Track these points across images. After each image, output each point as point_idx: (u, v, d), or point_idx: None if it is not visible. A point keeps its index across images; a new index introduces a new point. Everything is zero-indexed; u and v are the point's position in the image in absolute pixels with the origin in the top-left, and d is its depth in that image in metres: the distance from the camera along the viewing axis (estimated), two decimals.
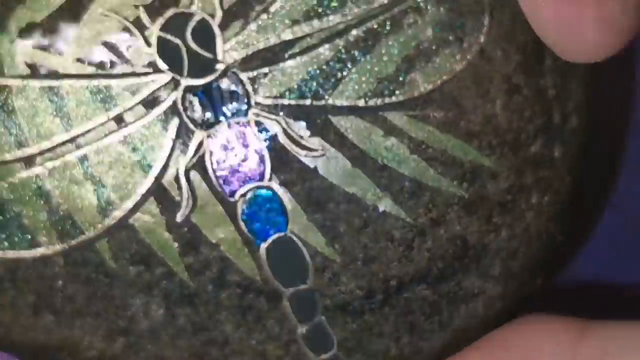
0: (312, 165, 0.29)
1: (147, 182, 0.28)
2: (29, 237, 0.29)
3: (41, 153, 0.29)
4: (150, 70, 0.28)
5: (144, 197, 0.29)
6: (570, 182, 0.30)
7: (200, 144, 0.28)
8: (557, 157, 0.30)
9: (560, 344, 0.29)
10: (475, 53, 0.29)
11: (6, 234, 0.29)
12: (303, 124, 0.28)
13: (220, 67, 0.28)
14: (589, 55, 0.27)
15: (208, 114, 0.28)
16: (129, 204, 0.29)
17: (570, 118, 0.30)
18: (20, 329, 0.30)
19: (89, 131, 0.28)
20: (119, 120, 0.28)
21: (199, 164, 0.28)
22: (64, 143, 0.28)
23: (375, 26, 0.29)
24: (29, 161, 0.29)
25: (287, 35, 0.28)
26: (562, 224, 0.31)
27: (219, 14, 0.28)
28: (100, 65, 0.28)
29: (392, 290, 0.29)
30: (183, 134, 0.28)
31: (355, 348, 0.30)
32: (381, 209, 0.29)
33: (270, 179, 0.29)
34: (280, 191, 0.29)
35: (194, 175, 0.29)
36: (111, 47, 0.28)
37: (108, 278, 0.29)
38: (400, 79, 0.28)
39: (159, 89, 0.28)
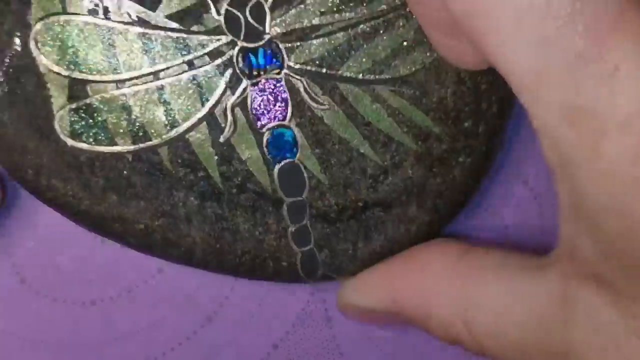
0: (319, 115, 0.41)
1: (204, 111, 0.40)
2: (110, 137, 0.40)
3: (130, 79, 0.39)
4: (217, 32, 0.39)
5: (200, 121, 0.40)
6: (486, 151, 0.43)
7: (245, 89, 0.40)
8: (480, 132, 0.42)
9: (447, 257, 0.40)
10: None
11: (93, 132, 0.40)
12: (317, 85, 0.40)
13: (266, 37, 0.40)
14: (470, 66, 0.37)
15: (254, 69, 0.40)
16: (188, 124, 0.40)
17: (493, 106, 0.42)
18: (88, 202, 0.41)
19: (167, 68, 0.39)
20: (190, 64, 0.40)
21: (242, 103, 0.40)
22: (148, 74, 0.39)
23: (377, 24, 0.40)
24: (119, 83, 0.39)
25: (316, 22, 0.40)
26: (477, 178, 0.43)
27: None
28: (182, 23, 0.39)
29: (359, 209, 0.42)
30: (234, 80, 0.40)
31: (325, 246, 0.42)
32: (362, 151, 0.41)
33: (289, 120, 0.40)
34: (295, 130, 0.41)
35: (237, 110, 0.40)
36: (192, 12, 0.39)
37: (162, 174, 0.40)
38: (388, 63, 0.41)
39: (221, 46, 0.40)
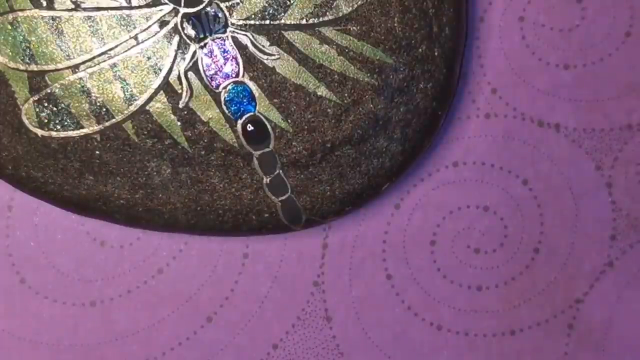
0: (271, 65, 0.42)
1: (158, 80, 0.41)
2: (75, 121, 0.41)
3: (83, 62, 0.41)
4: (159, 2, 0.41)
5: (156, 91, 0.41)
6: (445, 73, 0.43)
7: (194, 53, 0.41)
8: (436, 55, 0.43)
9: None
10: None
11: (59, 119, 0.41)
12: (264, 37, 0.41)
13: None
14: None
15: (199, 32, 0.41)
16: (146, 96, 0.41)
17: (445, 29, 0.43)
18: (69, 187, 0.42)
19: (117, 46, 0.41)
20: (137, 38, 0.41)
21: (194, 67, 0.41)
22: (99, 55, 0.41)
23: None
24: (74, 68, 0.41)
25: None
26: (441, 102, 0.44)
27: None
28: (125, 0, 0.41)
29: (327, 150, 0.43)
30: (182, 46, 0.41)
31: (303, 191, 0.43)
32: (319, 94, 0.42)
33: (242, 76, 0.41)
34: (250, 84, 0.42)
35: (191, 75, 0.41)
36: None
37: (132, 148, 0.42)
38: (329, 4, 0.41)
39: (164, 15, 0.41)
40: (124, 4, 0.41)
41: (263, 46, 0.41)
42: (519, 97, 0.46)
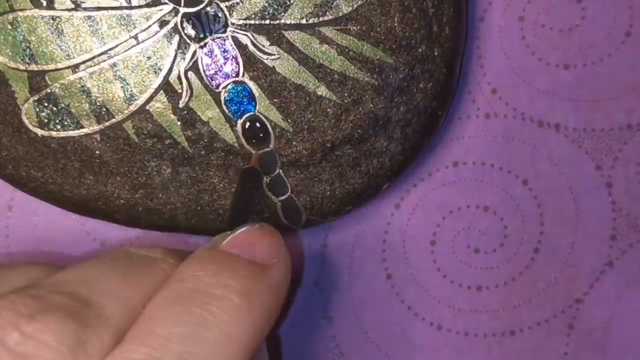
0: (271, 65, 0.42)
1: (158, 80, 0.41)
2: (75, 121, 0.41)
3: (83, 62, 0.41)
4: (159, 2, 0.41)
5: (156, 91, 0.41)
6: (445, 73, 0.43)
7: (194, 53, 0.41)
8: (436, 55, 0.43)
9: None
10: None
11: (59, 119, 0.41)
12: (264, 37, 0.41)
13: None
14: None
15: (199, 32, 0.41)
16: (146, 95, 0.41)
17: (445, 28, 0.43)
18: (69, 187, 0.42)
19: (117, 46, 0.41)
20: (137, 38, 0.41)
21: (194, 67, 0.41)
22: (99, 55, 0.41)
23: None
24: (74, 68, 0.41)
25: None
26: (441, 102, 0.44)
27: None
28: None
29: (327, 150, 0.43)
30: (182, 46, 0.41)
31: (303, 191, 0.43)
32: (319, 93, 0.42)
33: (242, 76, 0.41)
34: (250, 84, 0.42)
35: (191, 74, 0.41)
36: None
37: (132, 148, 0.42)
38: (329, 4, 0.41)
39: (164, 15, 0.41)
40: (124, 4, 0.41)
41: (263, 46, 0.41)
42: (519, 97, 0.46)
